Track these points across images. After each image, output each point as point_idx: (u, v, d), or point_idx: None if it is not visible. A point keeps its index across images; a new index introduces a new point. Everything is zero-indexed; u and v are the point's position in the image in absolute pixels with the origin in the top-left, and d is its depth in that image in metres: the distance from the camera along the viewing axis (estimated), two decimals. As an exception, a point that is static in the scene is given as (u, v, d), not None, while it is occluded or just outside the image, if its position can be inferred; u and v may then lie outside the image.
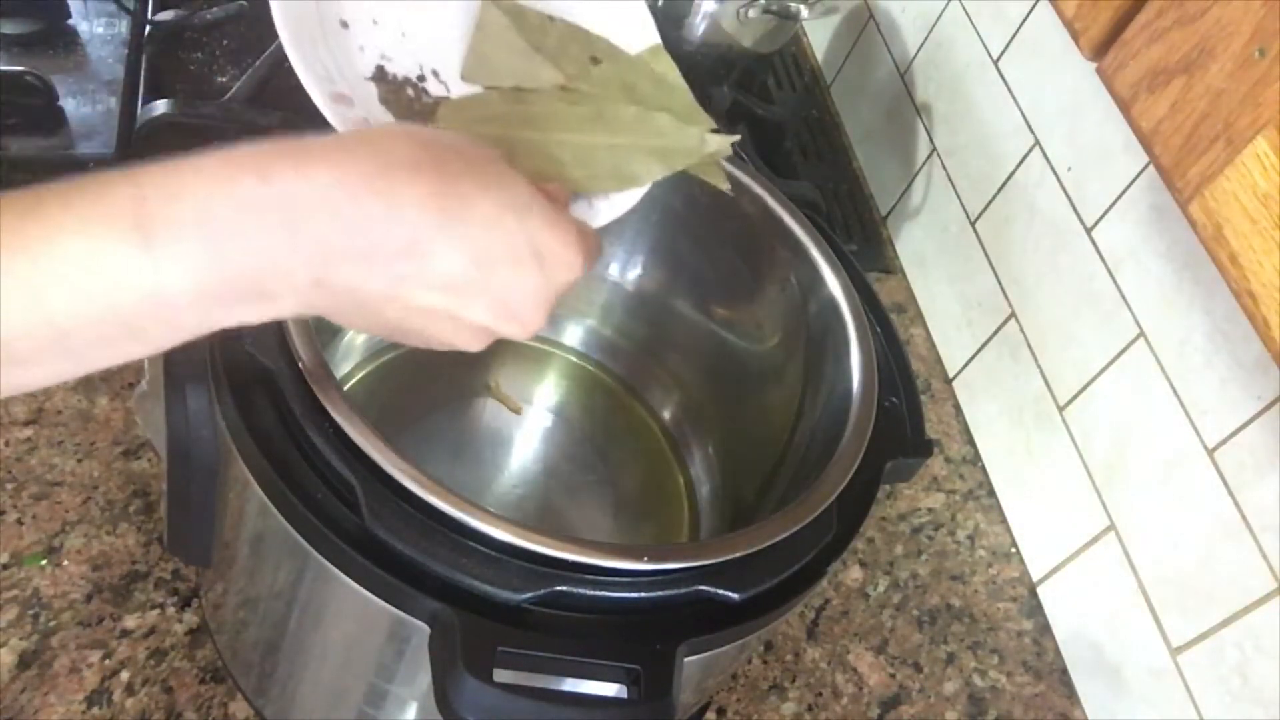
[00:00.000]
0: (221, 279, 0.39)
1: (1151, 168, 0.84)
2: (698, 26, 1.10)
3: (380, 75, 0.58)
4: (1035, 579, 0.97)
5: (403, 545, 0.51)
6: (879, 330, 0.72)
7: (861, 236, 1.20)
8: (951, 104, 1.13)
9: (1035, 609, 0.95)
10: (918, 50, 1.18)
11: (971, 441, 1.06)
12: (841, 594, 0.91)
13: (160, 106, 0.96)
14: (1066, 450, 0.94)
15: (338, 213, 0.40)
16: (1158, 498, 0.85)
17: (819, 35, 1.39)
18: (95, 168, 0.97)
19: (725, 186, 0.64)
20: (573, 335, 0.88)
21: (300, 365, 0.54)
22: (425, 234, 0.42)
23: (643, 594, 0.55)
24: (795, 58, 1.37)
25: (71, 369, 0.40)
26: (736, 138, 0.62)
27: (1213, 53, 0.47)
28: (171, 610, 0.74)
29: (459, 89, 0.60)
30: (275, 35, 0.53)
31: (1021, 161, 1.02)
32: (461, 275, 0.44)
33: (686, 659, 0.54)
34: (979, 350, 1.06)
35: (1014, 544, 0.99)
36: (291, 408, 0.54)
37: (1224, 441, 0.79)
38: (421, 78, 0.60)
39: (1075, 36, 0.56)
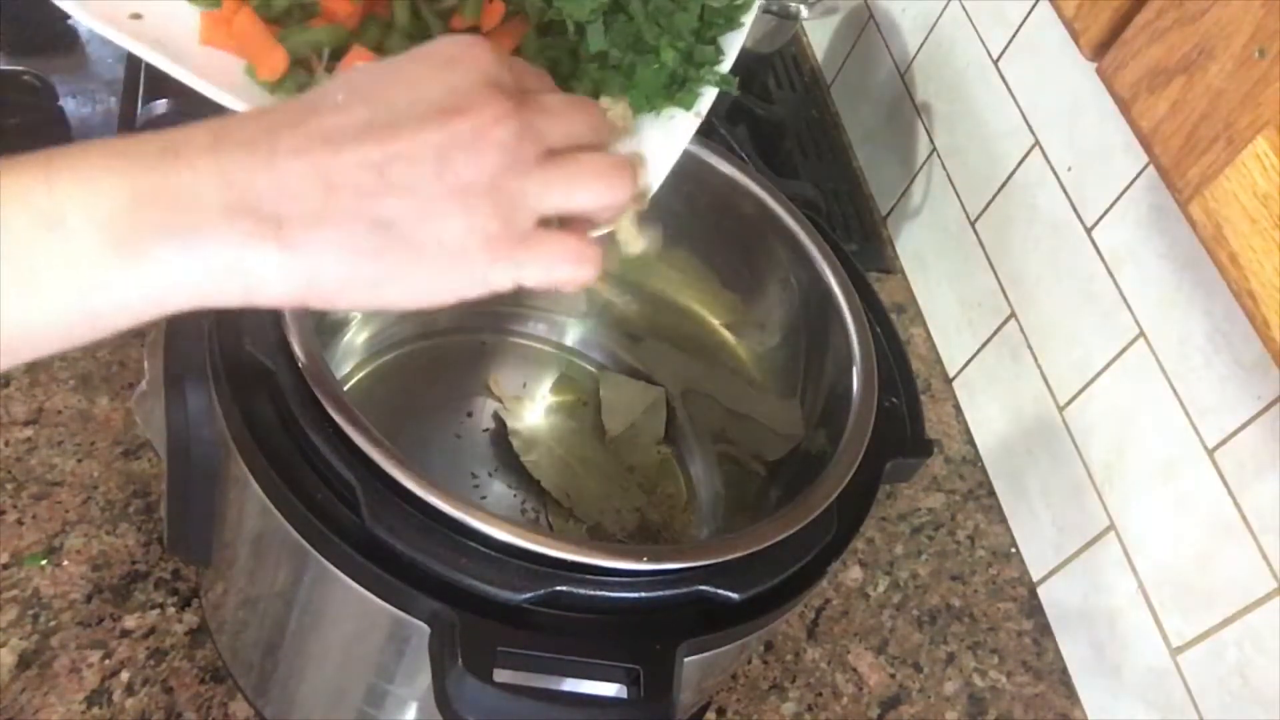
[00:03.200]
0: (126, 213, 0.35)
1: (1151, 168, 0.84)
2: (698, 26, 1.09)
3: None
4: (1035, 579, 0.97)
5: (403, 545, 0.51)
6: (879, 330, 0.72)
7: (861, 236, 1.20)
8: (951, 104, 1.13)
9: (1035, 609, 0.95)
10: (918, 50, 1.18)
11: (971, 441, 1.06)
12: (841, 594, 0.91)
13: (160, 106, 0.96)
14: (1066, 450, 0.94)
15: (218, 130, 0.37)
16: (1158, 498, 0.85)
17: (819, 35, 1.39)
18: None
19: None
20: (573, 335, 0.88)
21: (300, 365, 0.54)
22: (310, 106, 0.38)
23: (643, 594, 0.55)
24: (795, 58, 1.37)
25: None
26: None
27: (1213, 53, 0.47)
28: (171, 610, 0.74)
29: None
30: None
31: (1021, 161, 1.02)
32: (364, 107, 0.38)
33: (686, 659, 0.54)
34: (979, 350, 1.06)
35: (1014, 544, 0.99)
36: (291, 408, 0.54)
37: (1224, 441, 0.79)
38: None
39: (1075, 36, 0.56)
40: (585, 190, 0.41)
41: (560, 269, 0.41)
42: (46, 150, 0.36)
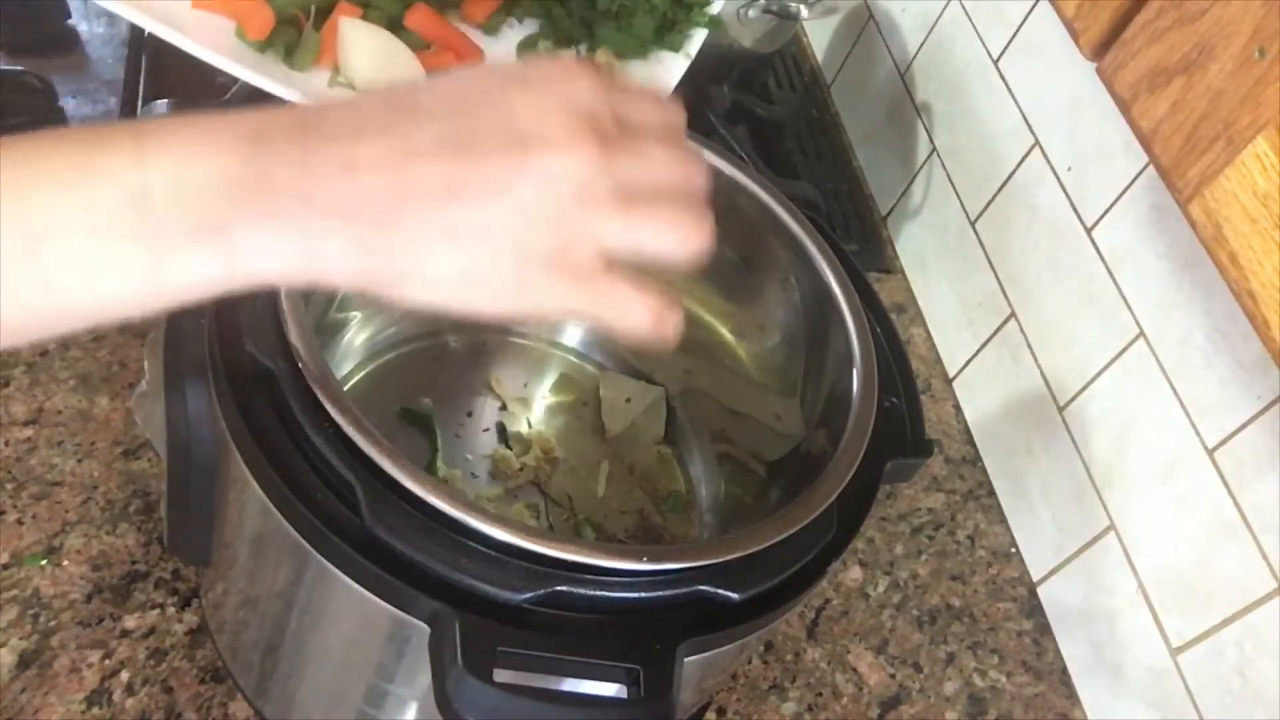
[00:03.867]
0: (211, 196, 0.37)
1: (1151, 168, 0.84)
2: (698, 26, 1.09)
3: None
4: (1035, 579, 0.97)
5: (403, 545, 0.51)
6: (879, 330, 0.72)
7: (861, 236, 1.20)
8: (951, 104, 1.13)
9: (1035, 609, 0.95)
10: (918, 50, 1.18)
11: (971, 441, 1.06)
12: (841, 594, 0.91)
13: (160, 107, 0.95)
14: (1066, 450, 0.94)
15: (305, 121, 0.39)
16: (1158, 498, 0.85)
17: (819, 35, 1.39)
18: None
19: None
20: (573, 335, 0.88)
21: (300, 365, 0.54)
22: (396, 109, 0.40)
23: (643, 594, 0.55)
24: (795, 58, 1.37)
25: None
26: None
27: (1213, 53, 0.47)
28: (171, 610, 0.74)
29: None
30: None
31: (1021, 161, 1.02)
32: (449, 120, 0.40)
33: (686, 659, 0.54)
34: (979, 350, 1.06)
35: (1014, 544, 0.99)
36: (291, 408, 0.54)
37: (1224, 441, 0.79)
38: None
39: (1075, 36, 0.56)
40: (655, 240, 0.42)
41: (613, 313, 0.42)
42: (137, 123, 0.39)
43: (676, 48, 0.60)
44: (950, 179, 1.12)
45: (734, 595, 0.56)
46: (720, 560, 0.56)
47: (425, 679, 0.51)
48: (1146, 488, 0.86)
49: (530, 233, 0.40)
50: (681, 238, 0.42)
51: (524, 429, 0.82)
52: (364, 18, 0.80)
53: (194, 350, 0.59)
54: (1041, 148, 0.99)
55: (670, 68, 0.59)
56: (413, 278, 0.40)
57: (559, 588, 0.52)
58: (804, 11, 1.10)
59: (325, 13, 0.73)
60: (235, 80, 1.01)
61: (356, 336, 0.81)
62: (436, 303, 0.41)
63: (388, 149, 0.39)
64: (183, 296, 0.39)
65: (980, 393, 1.06)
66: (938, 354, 1.12)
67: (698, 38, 0.60)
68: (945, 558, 0.96)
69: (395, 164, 0.39)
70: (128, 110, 0.97)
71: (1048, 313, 0.98)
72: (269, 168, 0.38)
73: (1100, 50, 0.54)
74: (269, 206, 0.38)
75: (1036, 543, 0.97)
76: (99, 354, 0.84)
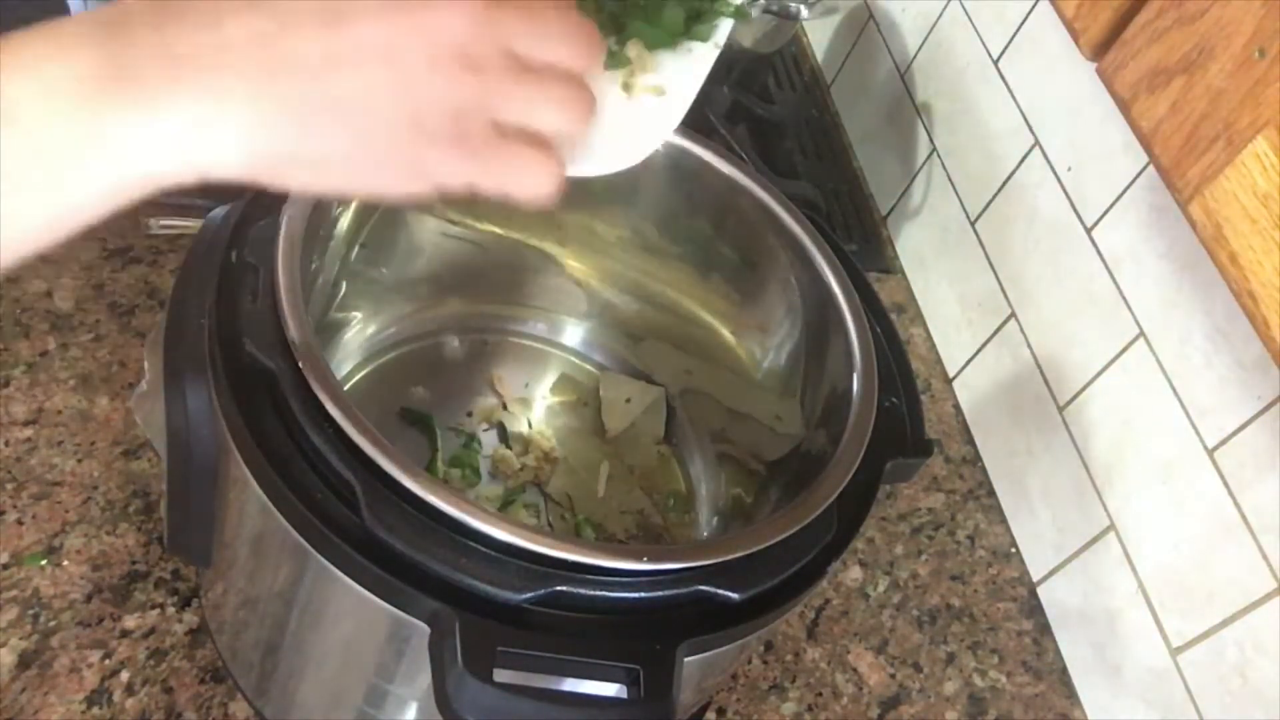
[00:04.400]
0: (77, 97, 0.35)
1: (1151, 168, 0.84)
2: (698, 26, 1.09)
3: None
4: (1035, 579, 0.97)
5: (403, 545, 0.51)
6: (879, 330, 0.72)
7: (861, 236, 1.20)
8: (951, 104, 1.13)
9: (1035, 609, 0.95)
10: (918, 50, 1.18)
11: (971, 441, 1.06)
12: (841, 594, 0.91)
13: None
14: (1066, 450, 0.94)
15: (164, 7, 0.37)
16: (1158, 498, 0.85)
17: (819, 35, 1.39)
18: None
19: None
20: (573, 335, 0.88)
21: (300, 365, 0.54)
22: None
23: (643, 594, 0.55)
24: (795, 58, 1.37)
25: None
26: None
27: (1213, 53, 0.47)
28: (171, 610, 0.74)
29: None
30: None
31: (1021, 161, 1.02)
32: None
33: (686, 659, 0.54)
34: (979, 350, 1.06)
35: (1014, 544, 0.99)
36: (291, 408, 0.54)
37: (1224, 441, 0.79)
38: None
39: (1075, 36, 0.56)
40: (546, 113, 0.40)
41: (512, 180, 0.40)
42: None
43: (705, 38, 0.60)
44: (950, 179, 1.12)
45: (734, 595, 0.56)
46: (720, 560, 0.56)
47: (425, 679, 0.51)
48: (1146, 488, 0.86)
49: (420, 101, 0.38)
50: (571, 111, 0.41)
51: (524, 429, 0.82)
52: None
53: (194, 350, 0.59)
54: (1041, 148, 0.99)
55: (701, 58, 0.60)
56: (302, 159, 0.38)
57: (559, 588, 0.52)
58: (804, 11, 1.10)
59: None
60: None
61: (357, 336, 0.81)
62: (331, 186, 0.39)
63: (258, 22, 0.36)
64: (88, 210, 0.37)
65: (980, 393, 1.06)
66: (938, 354, 1.12)
67: (725, 27, 0.61)
68: (945, 558, 0.96)
69: (268, 38, 0.36)
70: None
71: (1048, 313, 0.98)
72: (133, 58, 0.36)
73: (1100, 50, 0.54)
74: (140, 97, 0.35)
75: (1036, 543, 0.97)
76: (99, 354, 0.84)
